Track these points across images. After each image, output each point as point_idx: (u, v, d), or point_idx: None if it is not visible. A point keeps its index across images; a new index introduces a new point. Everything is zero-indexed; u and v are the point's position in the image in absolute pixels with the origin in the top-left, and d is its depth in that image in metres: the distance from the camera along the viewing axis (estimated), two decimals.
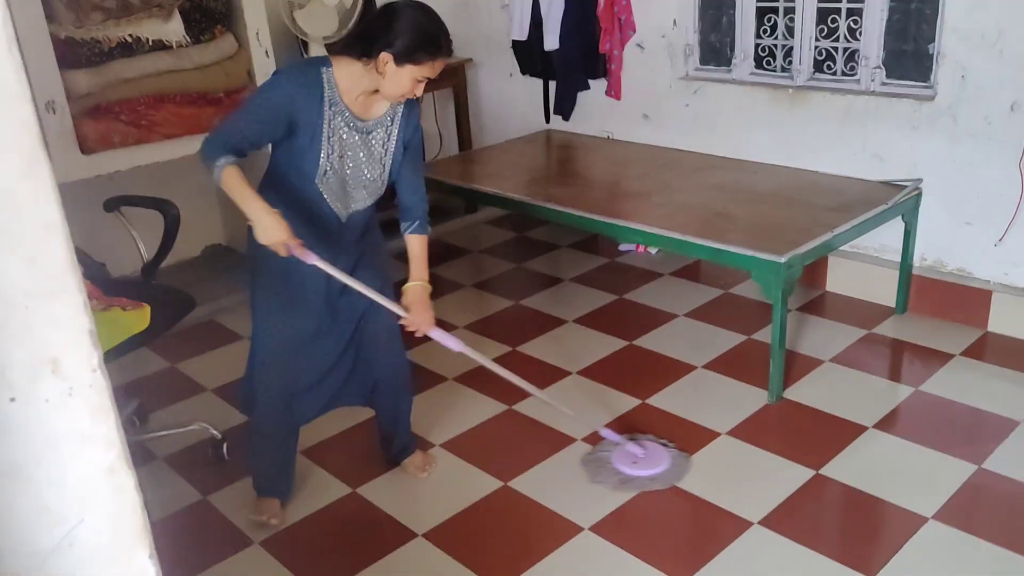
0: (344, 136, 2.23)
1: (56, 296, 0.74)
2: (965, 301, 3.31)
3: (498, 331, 3.58)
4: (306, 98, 2.15)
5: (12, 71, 0.68)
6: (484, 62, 4.87)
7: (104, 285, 2.63)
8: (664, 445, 2.72)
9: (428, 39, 2.15)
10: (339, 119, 2.21)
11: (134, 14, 3.45)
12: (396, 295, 2.44)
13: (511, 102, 4.82)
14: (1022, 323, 3.19)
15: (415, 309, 2.35)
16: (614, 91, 4.21)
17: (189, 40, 3.59)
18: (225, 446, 2.79)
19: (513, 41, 4.48)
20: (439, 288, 4.01)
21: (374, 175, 2.33)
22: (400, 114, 2.32)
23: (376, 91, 2.21)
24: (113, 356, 2.29)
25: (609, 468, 2.63)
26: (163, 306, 2.53)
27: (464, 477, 2.67)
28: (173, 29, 3.55)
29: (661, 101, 4.09)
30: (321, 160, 2.21)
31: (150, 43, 3.50)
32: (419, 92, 2.22)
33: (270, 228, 2.08)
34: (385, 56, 2.13)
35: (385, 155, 2.33)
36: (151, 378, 3.38)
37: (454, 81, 4.74)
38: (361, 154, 2.28)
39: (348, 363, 2.52)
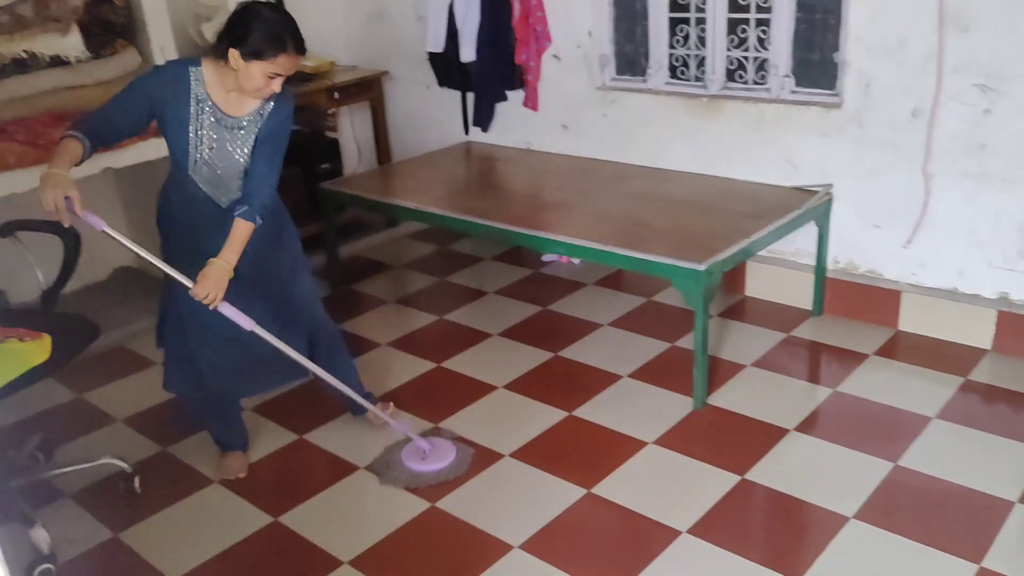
0: (212, 131, 2.37)
1: None
2: (877, 302, 3.41)
3: (422, 347, 3.53)
4: (172, 93, 2.33)
5: None
6: (400, 74, 4.81)
7: (1, 315, 2.49)
8: (451, 440, 2.83)
9: (273, 36, 2.25)
10: (207, 114, 2.36)
11: (28, 28, 3.29)
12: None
13: (429, 114, 4.77)
14: (930, 321, 3.31)
15: (202, 281, 2.30)
16: (531, 102, 4.22)
17: (89, 55, 3.43)
18: (137, 480, 2.67)
19: (429, 53, 4.43)
20: (361, 305, 3.96)
21: (240, 165, 2.43)
22: (268, 110, 2.42)
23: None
24: (11, 390, 2.16)
25: (399, 466, 2.72)
26: (65, 335, 2.40)
27: (389, 500, 2.61)
28: (71, 44, 3.39)
29: (579, 111, 4.11)
30: (190, 151, 2.38)
31: (47, 59, 3.34)
32: (275, 87, 2.32)
33: (46, 184, 2.15)
34: (234, 52, 2.25)
35: (243, 150, 2.43)
36: (56, 410, 3.21)
37: (371, 94, 4.67)
38: (229, 147, 2.40)
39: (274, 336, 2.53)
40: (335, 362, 2.79)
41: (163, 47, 3.58)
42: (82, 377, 3.37)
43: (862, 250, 3.42)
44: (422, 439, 2.78)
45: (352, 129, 4.94)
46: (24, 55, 3.28)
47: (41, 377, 2.28)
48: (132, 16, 3.55)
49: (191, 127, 2.35)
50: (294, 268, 2.68)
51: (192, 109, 2.34)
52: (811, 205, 3.30)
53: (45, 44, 3.33)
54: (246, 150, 2.41)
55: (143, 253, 2.36)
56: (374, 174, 4.50)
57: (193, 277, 2.32)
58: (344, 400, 2.91)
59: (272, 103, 2.41)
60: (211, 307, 2.32)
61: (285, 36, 2.26)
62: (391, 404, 3.03)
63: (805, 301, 3.58)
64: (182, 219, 2.48)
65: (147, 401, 3.22)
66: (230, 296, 2.36)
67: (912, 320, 3.35)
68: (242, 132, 2.39)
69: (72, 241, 2.51)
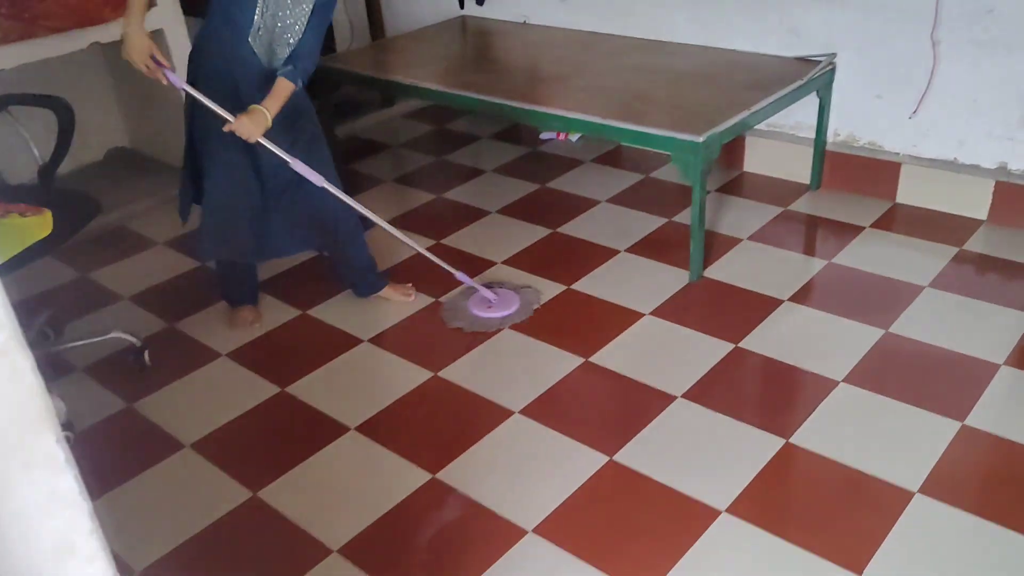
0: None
1: None
2: (876, 174, 3.41)
3: (421, 224, 3.54)
4: None
5: None
6: None
7: (1, 192, 2.49)
8: (515, 290, 2.97)
9: None
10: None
11: None
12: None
13: None
14: (928, 193, 3.31)
15: (242, 118, 2.42)
16: None
17: None
18: (146, 353, 2.73)
19: None
20: (359, 184, 3.95)
21: (296, 32, 2.50)
22: None
23: None
24: (16, 265, 2.19)
25: (464, 312, 2.89)
26: (66, 211, 2.41)
27: (392, 370, 2.68)
28: None
29: None
30: (255, 18, 2.43)
31: None
32: None
33: (130, 40, 2.33)
34: None
35: (306, 10, 2.49)
36: (62, 288, 3.25)
37: None
38: (288, 15, 2.47)
39: (286, 208, 2.69)
40: (353, 236, 2.87)
41: None
42: (85, 256, 3.40)
43: (863, 122, 3.39)
44: (488, 290, 2.92)
45: (344, 4, 4.80)
46: None
47: (45, 252, 2.31)
48: None
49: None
50: (312, 139, 2.71)
51: None
52: (813, 75, 3.24)
53: None
54: (302, 19, 2.49)
55: (216, 108, 2.44)
56: (367, 50, 4.40)
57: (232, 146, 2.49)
58: (349, 278, 2.98)
59: None
60: (248, 137, 2.44)
61: None
62: (411, 285, 3.07)
63: (803, 175, 3.58)
64: (226, 80, 2.51)
65: (151, 279, 3.26)
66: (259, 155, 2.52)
67: (910, 192, 3.36)
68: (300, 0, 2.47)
69: (66, 114, 2.49)
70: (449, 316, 2.90)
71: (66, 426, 2.40)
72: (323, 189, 2.65)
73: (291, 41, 2.51)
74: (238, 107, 2.47)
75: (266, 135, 2.47)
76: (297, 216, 2.73)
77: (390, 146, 4.40)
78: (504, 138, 4.34)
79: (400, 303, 3.00)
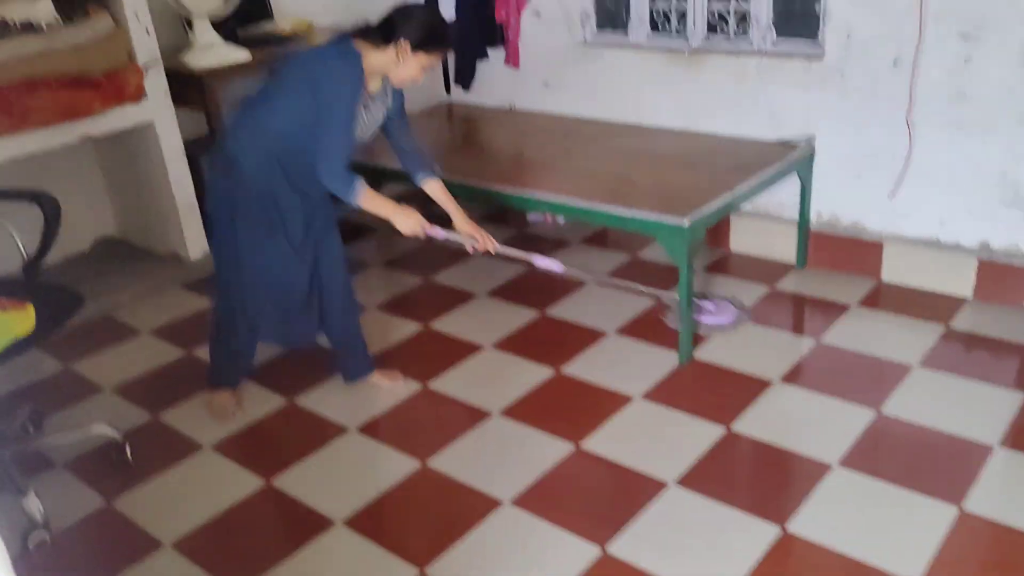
0: (363, 113, 2.59)
1: None
2: (860, 253, 3.44)
3: (410, 308, 3.53)
4: (360, 88, 2.51)
5: None
6: None
7: None
8: (730, 301, 3.31)
9: (443, 36, 2.58)
10: (362, 99, 2.55)
11: None
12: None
13: None
14: (913, 271, 3.34)
15: (478, 232, 2.83)
16: (512, 59, 4.18)
17: (61, 20, 3.37)
18: (128, 448, 2.68)
19: None
20: (348, 267, 3.94)
21: (366, 141, 2.70)
22: (389, 89, 2.68)
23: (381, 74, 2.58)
24: None
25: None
26: (49, 305, 2.39)
27: (380, 459, 2.63)
28: (42, 9, 3.32)
29: (561, 68, 4.08)
30: (356, 133, 2.58)
31: (18, 25, 3.27)
32: (420, 79, 2.60)
33: (411, 220, 2.65)
34: (405, 43, 2.47)
35: (376, 125, 2.71)
36: (45, 381, 3.20)
37: None
38: (371, 123, 2.66)
39: (315, 291, 2.78)
40: (349, 321, 2.91)
41: (137, 12, 3.52)
42: (68, 347, 3.36)
43: (845, 202, 3.44)
44: (708, 301, 3.25)
45: None
46: None
47: (26, 348, 2.28)
48: None
49: (358, 115, 2.55)
50: (327, 225, 2.78)
51: (361, 97, 2.54)
52: (793, 158, 3.30)
53: (15, 10, 3.26)
54: (372, 127, 2.67)
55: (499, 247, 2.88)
56: None
57: (273, 248, 2.64)
58: (339, 364, 2.97)
59: (389, 83, 2.65)
60: (485, 248, 2.83)
61: (448, 37, 2.60)
62: (398, 372, 3.05)
63: (789, 254, 3.61)
64: (291, 198, 2.62)
65: (135, 369, 3.22)
66: (295, 249, 2.68)
67: (894, 270, 3.38)
68: (375, 106, 2.64)
69: (51, 209, 2.48)
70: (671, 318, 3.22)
71: (42, 526, 2.33)
72: (334, 271, 2.78)
73: (360, 150, 2.70)
74: (298, 220, 2.67)
75: (304, 215, 2.67)
76: (316, 299, 2.81)
77: (377, 229, 4.42)
78: (492, 220, 4.37)
79: (388, 390, 2.97)
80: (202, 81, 3.89)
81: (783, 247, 3.61)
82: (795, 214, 3.52)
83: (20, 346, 2.24)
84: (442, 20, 2.61)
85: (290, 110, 2.51)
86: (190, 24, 3.90)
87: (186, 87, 3.82)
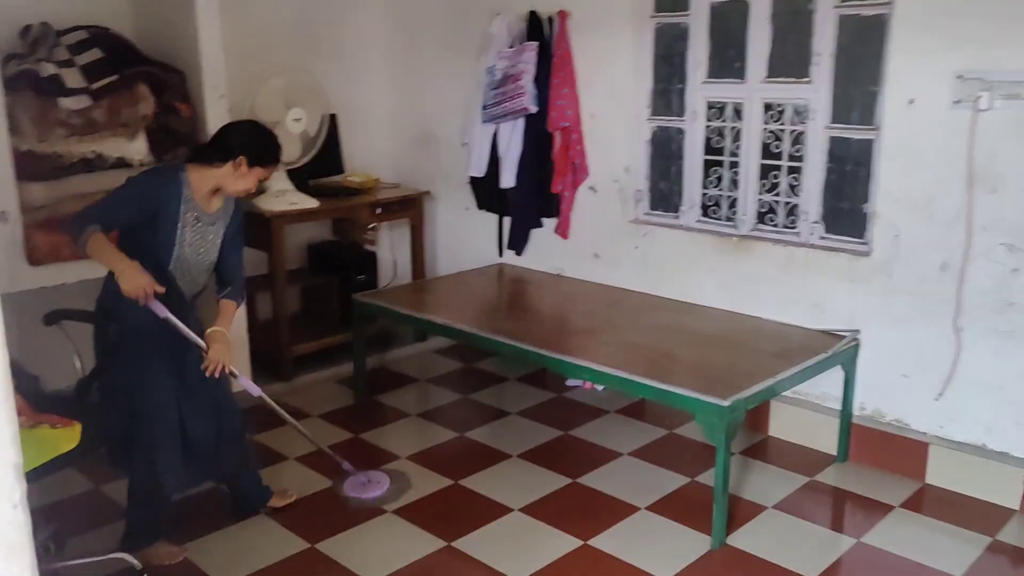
0: (194, 229, 2.71)
1: None
2: (904, 452, 3.37)
3: (440, 463, 3.51)
4: (168, 195, 2.65)
5: None
6: (442, 195, 5.00)
7: (35, 400, 2.54)
8: (386, 472, 3.36)
9: (276, 150, 2.80)
10: (191, 214, 2.69)
11: (99, 132, 3.50)
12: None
13: (466, 235, 4.92)
14: (958, 477, 3.24)
15: (214, 348, 2.76)
16: (563, 230, 4.34)
17: (152, 159, 3.63)
18: None
19: (471, 177, 4.62)
20: (383, 416, 3.97)
21: (212, 259, 2.82)
22: (231, 208, 2.85)
23: (217, 190, 2.75)
24: (37, 476, 2.18)
25: (344, 495, 3.22)
26: (95, 424, 2.44)
27: None
28: (137, 148, 3.59)
29: (612, 242, 4.22)
30: (175, 249, 2.69)
31: (112, 160, 3.53)
32: (254, 189, 2.79)
33: (134, 275, 2.53)
34: (243, 159, 2.69)
35: (218, 242, 2.82)
36: (73, 500, 3.21)
37: (411, 212, 4.83)
38: (204, 242, 2.77)
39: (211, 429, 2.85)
40: (240, 446, 3.01)
41: None
42: (101, 468, 3.38)
43: (890, 398, 3.40)
44: (360, 473, 3.29)
45: (390, 244, 5.10)
46: (91, 155, 3.48)
47: (67, 464, 2.32)
48: (196, 126, 3.76)
49: (179, 224, 2.68)
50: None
51: (181, 208, 2.67)
52: (838, 349, 3.31)
53: (112, 147, 3.53)
54: (218, 242, 2.82)
55: (195, 338, 2.76)
56: (407, 288, 4.61)
57: (165, 369, 2.70)
58: (242, 492, 3.09)
59: (231, 202, 2.84)
60: (220, 372, 2.74)
61: (279, 152, 2.82)
62: (288, 490, 3.20)
63: (830, 446, 3.54)
64: (143, 313, 2.64)
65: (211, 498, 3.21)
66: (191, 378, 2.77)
67: (939, 473, 3.29)
68: (213, 227, 2.78)
69: (113, 334, 2.59)
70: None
71: None
72: (221, 401, 2.87)
73: (210, 265, 2.82)
74: (163, 341, 2.72)
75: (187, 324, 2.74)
76: (209, 435, 2.86)
77: (418, 380, 4.47)
78: (531, 381, 4.40)
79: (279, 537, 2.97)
80: (270, 223, 4.11)
81: (824, 437, 3.56)
82: (838, 405, 3.49)
83: (61, 462, 2.28)
84: (272, 134, 2.81)
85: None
86: None
87: (255, 227, 4.03)
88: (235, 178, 2.72)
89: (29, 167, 3.32)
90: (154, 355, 2.71)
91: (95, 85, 3.48)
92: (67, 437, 2.30)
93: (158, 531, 2.84)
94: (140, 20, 3.98)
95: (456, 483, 3.35)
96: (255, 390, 3.03)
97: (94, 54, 3.55)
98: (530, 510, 3.15)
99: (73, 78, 3.46)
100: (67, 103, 3.40)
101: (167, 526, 2.86)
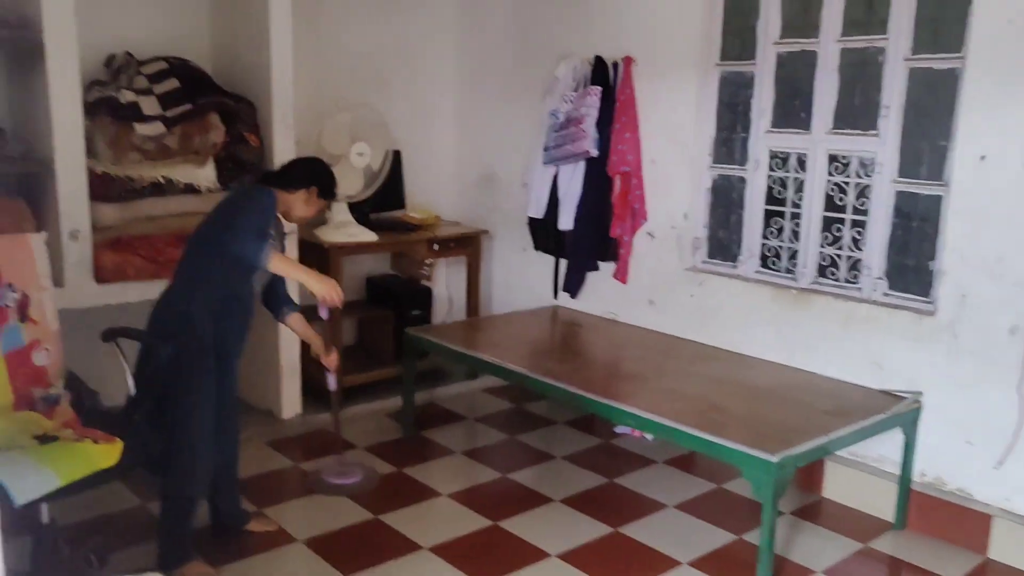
0: (272, 245, 2.85)
1: None
2: (965, 524, 3.19)
3: (482, 503, 3.47)
4: (272, 210, 2.87)
5: None
6: (499, 234, 5.02)
7: (87, 415, 2.61)
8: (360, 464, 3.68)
9: (335, 186, 3.08)
10: (274, 230, 2.91)
11: (170, 158, 3.63)
12: None
13: (521, 275, 4.92)
14: (1022, 553, 3.06)
15: (328, 352, 3.30)
16: (621, 275, 4.30)
17: (219, 186, 3.74)
18: None
19: (529, 218, 4.63)
20: (429, 452, 3.96)
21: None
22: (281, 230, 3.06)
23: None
24: (75, 490, 2.23)
25: (321, 481, 3.54)
26: (138, 444, 2.48)
27: None
28: (205, 175, 3.71)
29: (667, 289, 4.16)
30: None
31: (181, 185, 3.65)
32: (312, 217, 3.08)
33: (326, 284, 2.84)
34: (314, 190, 2.97)
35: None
36: (119, 515, 3.27)
37: (469, 250, 4.86)
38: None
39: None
40: (236, 461, 3.14)
41: None
42: (151, 484, 3.44)
43: (952, 466, 3.24)
44: (338, 464, 3.58)
45: (446, 280, 5.13)
46: (162, 180, 3.60)
47: (106, 481, 2.36)
48: (263, 155, 3.87)
49: (272, 239, 2.87)
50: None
51: (275, 224, 2.94)
52: (898, 411, 3.18)
53: (182, 173, 3.65)
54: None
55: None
56: (460, 325, 4.62)
57: (212, 394, 2.83)
58: (226, 510, 3.13)
59: (283, 223, 3.04)
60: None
61: (336, 188, 3.09)
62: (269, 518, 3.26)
63: (887, 511, 3.39)
64: (203, 337, 2.81)
65: (207, 519, 3.25)
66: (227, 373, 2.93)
67: (1003, 549, 3.11)
68: (274, 245, 2.90)
69: (165, 356, 2.64)
70: (315, 487, 3.52)
71: None
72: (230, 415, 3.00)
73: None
74: (223, 351, 2.89)
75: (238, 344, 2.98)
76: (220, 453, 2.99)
77: (466, 418, 4.45)
78: (579, 426, 4.34)
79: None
80: (329, 253, 4.18)
81: (881, 503, 3.40)
82: (896, 469, 3.34)
83: (99, 478, 2.32)
84: (333, 173, 3.07)
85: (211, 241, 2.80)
86: (329, 204, 4.24)
87: (313, 256, 4.10)
88: (304, 205, 2.97)
89: (102, 189, 3.46)
90: (204, 377, 2.78)
91: (170, 113, 3.62)
92: (107, 454, 2.34)
93: (190, 551, 2.88)
94: (217, 52, 4.15)
95: (495, 524, 3.30)
96: (333, 384, 3.45)
97: (171, 83, 3.70)
98: (568, 557, 3.08)
99: (150, 105, 3.60)
100: (142, 129, 3.55)
101: (188, 544, 2.90)
